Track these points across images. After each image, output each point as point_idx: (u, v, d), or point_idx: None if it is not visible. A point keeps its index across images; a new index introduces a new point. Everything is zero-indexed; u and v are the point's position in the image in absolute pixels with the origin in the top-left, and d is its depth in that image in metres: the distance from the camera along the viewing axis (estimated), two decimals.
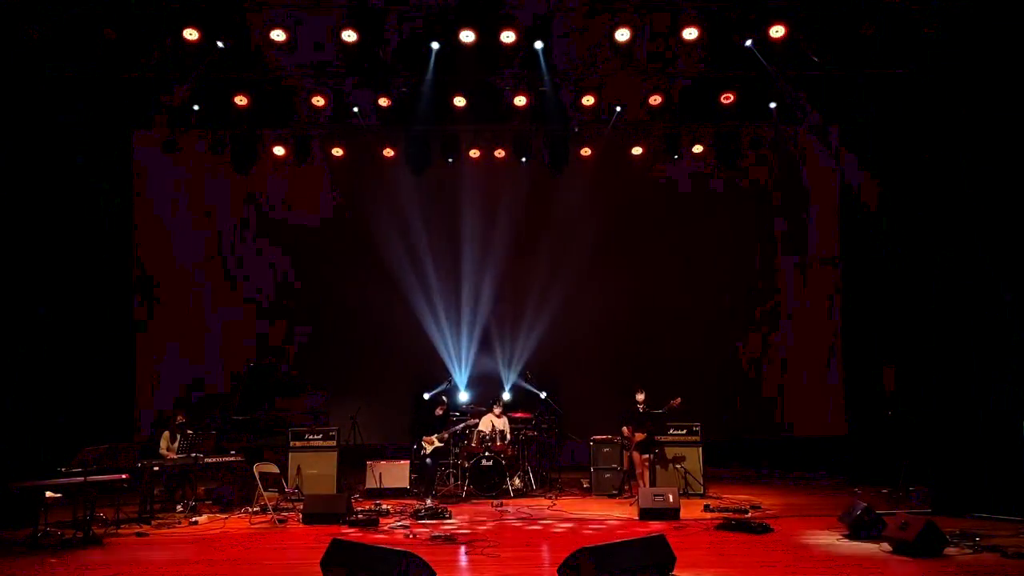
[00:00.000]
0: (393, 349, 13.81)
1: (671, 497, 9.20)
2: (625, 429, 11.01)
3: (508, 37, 10.43)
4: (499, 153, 13.48)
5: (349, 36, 10.33)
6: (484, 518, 9.45)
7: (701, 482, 11.00)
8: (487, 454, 10.89)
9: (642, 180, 13.84)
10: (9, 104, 10.28)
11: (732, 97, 11.92)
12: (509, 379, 13.48)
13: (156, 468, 9.78)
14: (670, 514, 9.04)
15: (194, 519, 9.46)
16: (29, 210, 10.78)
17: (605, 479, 11.20)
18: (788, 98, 11.99)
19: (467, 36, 10.39)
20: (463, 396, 13.44)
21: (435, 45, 10.76)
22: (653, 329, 13.87)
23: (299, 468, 11.03)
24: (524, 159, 13.64)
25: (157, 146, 13.37)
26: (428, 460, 11.40)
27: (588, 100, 11.91)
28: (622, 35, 10.38)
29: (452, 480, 11.48)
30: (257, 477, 9.67)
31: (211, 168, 13.58)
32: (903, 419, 10.73)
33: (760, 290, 14.07)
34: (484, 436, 11.14)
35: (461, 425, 11.54)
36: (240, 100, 11.70)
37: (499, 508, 10.09)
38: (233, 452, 10.47)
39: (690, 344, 13.83)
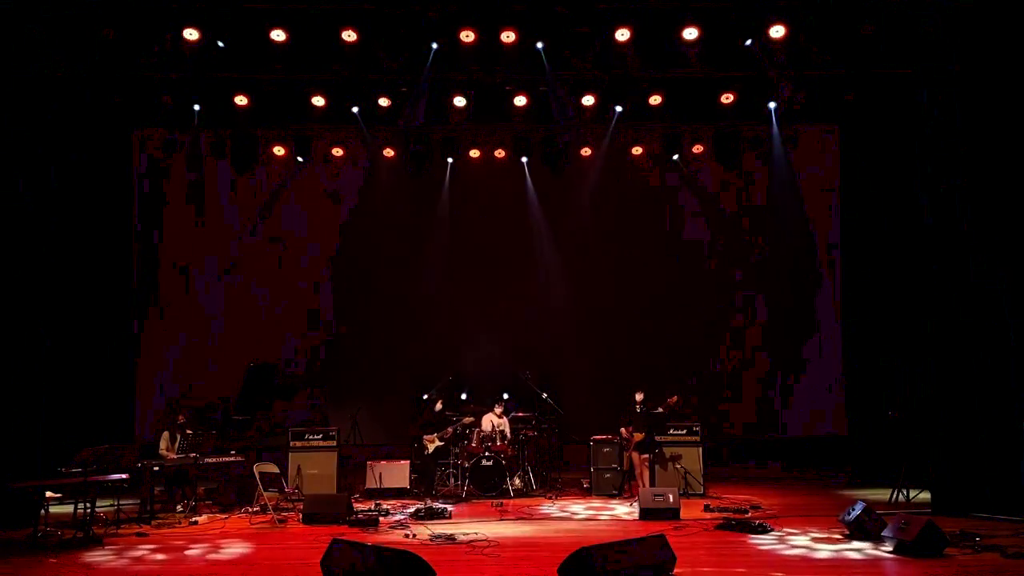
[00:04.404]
0: (393, 349, 13.80)
1: (671, 497, 9.20)
2: (624, 429, 11.02)
3: (508, 37, 10.42)
4: (499, 153, 13.49)
5: (349, 36, 10.32)
6: (484, 518, 9.45)
7: (701, 482, 10.99)
8: (487, 454, 10.89)
9: (642, 180, 13.85)
10: (9, 104, 10.27)
11: (732, 97, 11.91)
12: (509, 379, 13.44)
13: (156, 468, 9.78)
14: (670, 514, 9.03)
15: (194, 519, 9.46)
16: (28, 211, 10.77)
17: (605, 479, 11.19)
18: (788, 98, 11.98)
19: (467, 36, 10.39)
20: (463, 395, 13.42)
21: (435, 45, 10.74)
22: (653, 329, 13.86)
23: (299, 468, 11.03)
24: (524, 159, 13.67)
25: (157, 146, 13.40)
26: (430, 459, 11.41)
27: (588, 100, 11.90)
28: (622, 35, 10.38)
29: (452, 480, 11.48)
30: (257, 477, 9.67)
31: (211, 168, 13.61)
32: (903, 419, 10.72)
33: (760, 289, 14.05)
34: (484, 436, 11.14)
35: (458, 424, 11.53)
36: (240, 100, 11.69)
37: (499, 508, 10.08)
38: (233, 452, 10.47)
39: (690, 344, 13.83)
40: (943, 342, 9.86)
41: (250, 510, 9.85)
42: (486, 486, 10.78)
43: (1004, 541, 7.54)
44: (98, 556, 7.70)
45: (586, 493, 11.27)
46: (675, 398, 10.77)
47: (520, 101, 11.87)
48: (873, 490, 11.05)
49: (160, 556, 7.68)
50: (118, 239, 13.38)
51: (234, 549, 7.94)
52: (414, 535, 8.37)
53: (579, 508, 10.20)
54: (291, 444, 11.22)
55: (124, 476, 8.83)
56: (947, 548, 7.23)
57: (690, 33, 10.34)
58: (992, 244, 9.58)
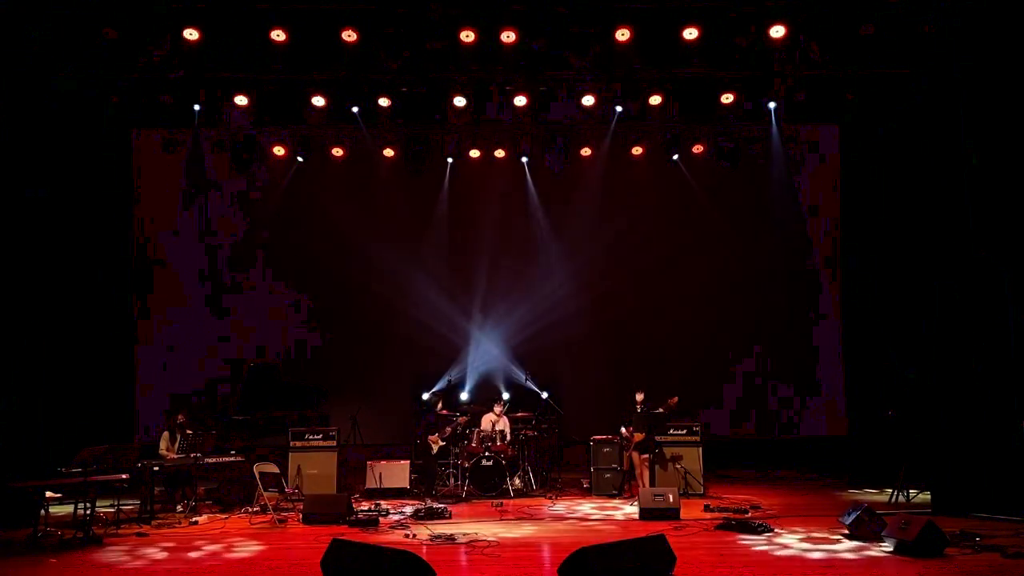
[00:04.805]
0: (393, 349, 13.80)
1: (671, 497, 9.20)
2: (624, 429, 11.02)
3: (508, 37, 10.43)
4: (499, 153, 13.48)
5: (349, 36, 10.32)
6: (484, 518, 9.45)
7: (701, 482, 10.99)
8: (487, 454, 10.89)
9: (642, 180, 13.84)
10: (10, 103, 10.27)
11: (732, 97, 11.90)
12: (509, 379, 13.46)
13: (156, 468, 9.78)
14: (670, 514, 9.03)
15: (194, 519, 9.46)
16: (29, 211, 10.78)
17: (605, 479, 11.19)
18: (788, 98, 11.98)
19: (467, 36, 10.39)
20: (463, 396, 13.44)
21: (435, 45, 10.72)
22: (653, 329, 13.87)
23: (299, 468, 11.02)
24: (524, 159, 13.67)
25: (157, 146, 13.39)
26: (432, 459, 11.43)
27: (588, 100, 11.90)
28: (622, 35, 10.38)
29: (452, 480, 11.48)
30: (257, 477, 9.67)
31: (211, 168, 13.61)
32: (903, 419, 10.73)
33: (760, 290, 14.04)
34: (484, 436, 11.14)
35: (456, 423, 11.54)
36: (240, 100, 11.69)
37: (499, 508, 10.08)
38: (233, 452, 10.47)
39: (690, 344, 13.82)
40: (943, 342, 9.86)
41: (250, 510, 9.85)
42: (486, 486, 10.78)
43: (1004, 541, 7.54)
44: (98, 556, 7.69)
45: (586, 493, 11.28)
46: (675, 399, 10.77)
47: (520, 101, 11.86)
48: (873, 490, 11.07)
49: (160, 556, 7.67)
50: (118, 240, 13.39)
51: (234, 549, 7.93)
52: (414, 535, 8.37)
53: (579, 508, 10.19)
54: (291, 444, 11.22)
55: (124, 476, 8.83)
56: (947, 548, 7.23)
57: (690, 33, 10.33)
58: (993, 243, 9.58)
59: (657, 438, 10.79)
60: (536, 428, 11.83)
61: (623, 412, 11.05)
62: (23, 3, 9.68)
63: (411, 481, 11.25)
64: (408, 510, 9.76)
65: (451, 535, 8.22)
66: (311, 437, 11.27)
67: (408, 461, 11.46)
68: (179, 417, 10.54)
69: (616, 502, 10.59)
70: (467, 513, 9.80)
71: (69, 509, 8.63)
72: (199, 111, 11.95)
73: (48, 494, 8.50)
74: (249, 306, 13.98)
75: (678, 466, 11.01)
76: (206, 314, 13.86)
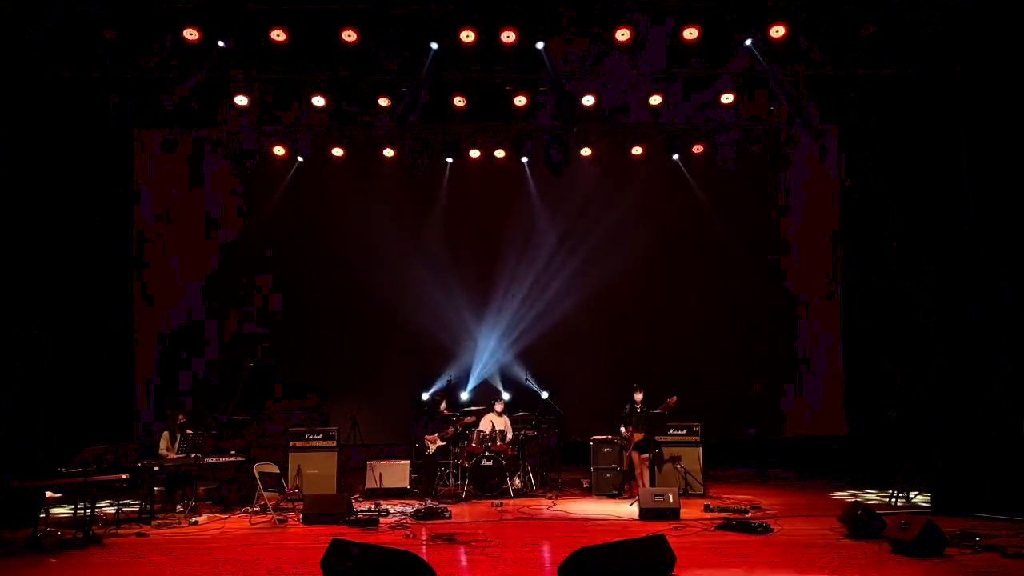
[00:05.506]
0: (393, 349, 13.80)
1: (671, 497, 9.20)
2: (624, 429, 11.02)
3: (508, 37, 10.43)
4: (499, 153, 13.50)
5: (349, 36, 10.33)
6: (484, 518, 9.46)
7: (701, 482, 10.99)
8: (487, 454, 10.89)
9: (642, 180, 13.85)
10: (10, 104, 10.28)
11: (732, 97, 11.91)
12: (509, 379, 13.46)
13: (156, 468, 9.77)
14: (670, 514, 9.03)
15: (194, 519, 9.46)
16: (30, 211, 10.79)
17: (605, 479, 11.19)
18: (788, 98, 11.98)
19: (467, 36, 10.39)
20: (463, 395, 13.44)
21: (434, 45, 10.74)
22: (653, 329, 13.87)
23: (299, 468, 11.03)
24: (524, 159, 13.67)
25: (157, 146, 13.40)
26: (430, 459, 11.43)
27: (588, 100, 11.90)
28: (622, 35, 10.39)
29: (452, 480, 11.47)
30: (257, 477, 9.67)
31: (211, 167, 13.61)
32: (903, 419, 10.73)
33: (760, 291, 14.05)
34: (484, 436, 11.15)
35: (459, 423, 11.53)
36: (240, 99, 11.69)
37: (499, 508, 10.08)
38: (233, 452, 10.47)
39: (690, 343, 13.82)
40: (943, 342, 9.87)
41: (250, 510, 9.85)
42: (486, 486, 10.78)
43: (1004, 541, 7.54)
44: (98, 556, 7.69)
45: (586, 493, 11.27)
46: (674, 399, 10.77)
47: (520, 101, 11.88)
48: (873, 491, 11.07)
49: (160, 556, 7.67)
50: (118, 239, 13.39)
51: (234, 549, 7.93)
52: (414, 535, 8.37)
53: (579, 508, 10.18)
54: (291, 444, 11.22)
55: (124, 476, 8.82)
56: (947, 548, 7.23)
57: (690, 33, 10.34)
58: (993, 241, 9.59)
59: (657, 438, 10.78)
60: (536, 428, 11.83)
61: (623, 412, 11.05)
62: (24, 3, 9.69)
63: (411, 481, 11.26)
64: (408, 510, 9.77)
65: (451, 535, 8.22)
66: (311, 437, 11.28)
67: (408, 461, 11.45)
68: (179, 417, 10.54)
69: (616, 502, 10.58)
70: (467, 513, 9.80)
71: (69, 509, 8.62)
72: (199, 111, 11.95)
73: (48, 494, 8.50)
74: (248, 306, 13.98)
75: (678, 466, 11.01)
76: (206, 313, 13.85)
